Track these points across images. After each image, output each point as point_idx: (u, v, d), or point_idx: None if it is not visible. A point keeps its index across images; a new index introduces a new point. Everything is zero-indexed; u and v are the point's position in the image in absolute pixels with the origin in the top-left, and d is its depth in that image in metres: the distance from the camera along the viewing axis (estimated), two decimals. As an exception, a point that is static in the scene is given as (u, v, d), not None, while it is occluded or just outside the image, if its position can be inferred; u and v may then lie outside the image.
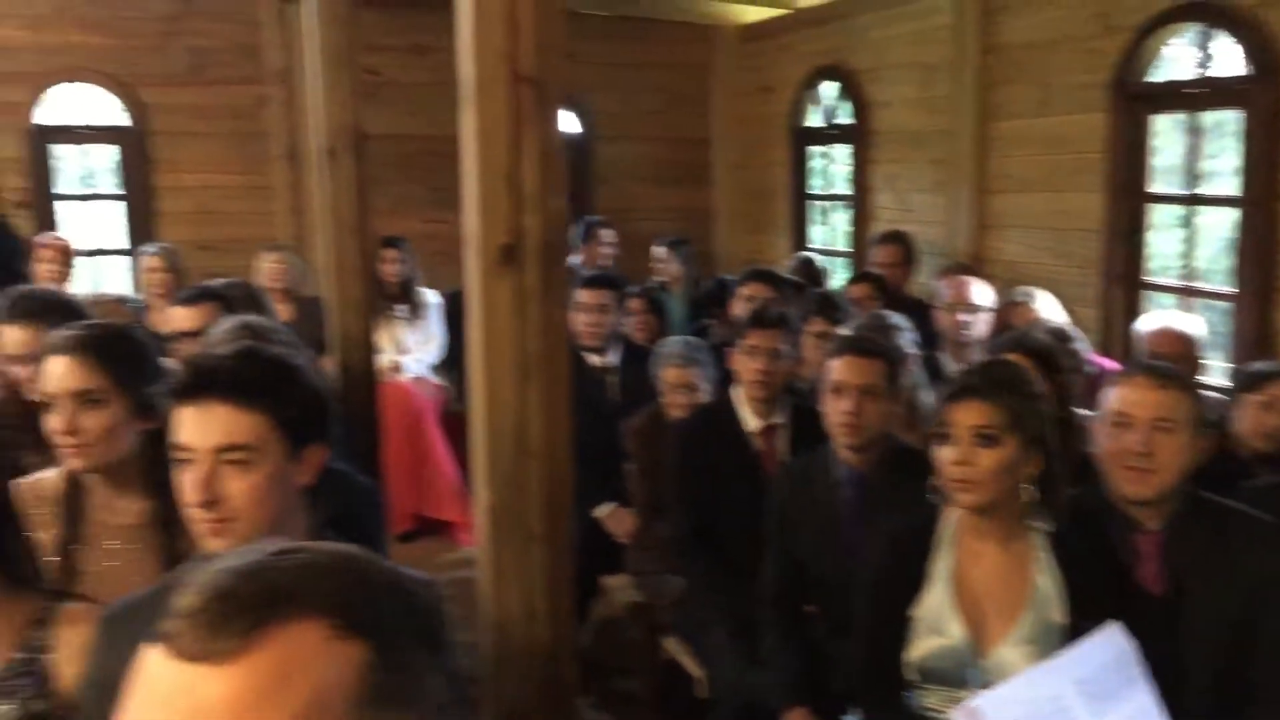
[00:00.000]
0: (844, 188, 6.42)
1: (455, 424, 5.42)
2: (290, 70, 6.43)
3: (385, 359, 5.33)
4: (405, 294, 5.69)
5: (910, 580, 2.12)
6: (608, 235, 6.31)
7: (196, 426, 1.51)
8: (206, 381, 1.52)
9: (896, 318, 3.53)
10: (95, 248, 6.56)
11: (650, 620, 3.47)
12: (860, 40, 6.09)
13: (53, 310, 2.67)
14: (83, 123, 6.57)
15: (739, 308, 4.46)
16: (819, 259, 6.09)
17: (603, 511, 3.88)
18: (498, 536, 1.97)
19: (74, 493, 2.09)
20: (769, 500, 2.76)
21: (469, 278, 1.93)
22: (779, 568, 2.72)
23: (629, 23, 6.93)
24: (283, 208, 6.75)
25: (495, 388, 1.92)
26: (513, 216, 1.87)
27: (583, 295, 4.26)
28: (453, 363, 5.59)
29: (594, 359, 4.26)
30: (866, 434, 2.62)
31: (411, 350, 5.67)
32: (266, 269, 5.33)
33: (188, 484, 1.51)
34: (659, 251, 6.06)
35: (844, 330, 3.43)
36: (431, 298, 5.81)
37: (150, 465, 2.08)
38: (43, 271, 5.28)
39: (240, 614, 0.70)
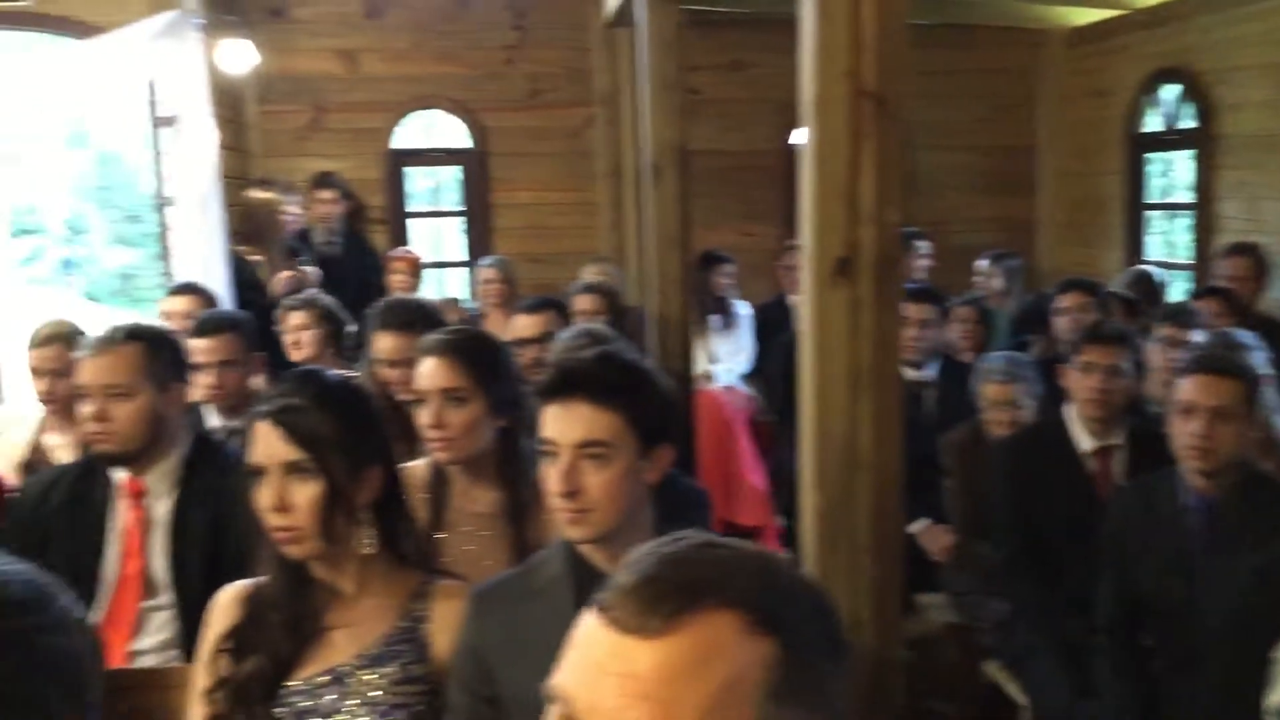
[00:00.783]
0: (1182, 196, 5.97)
1: (762, 433, 5.51)
2: (615, 92, 6.76)
3: (698, 368, 5.48)
4: (720, 305, 5.83)
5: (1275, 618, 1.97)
6: (924, 247, 6.19)
7: (560, 423, 1.64)
8: (571, 382, 1.65)
9: (1247, 336, 3.27)
10: (438, 260, 7.16)
11: (969, 643, 3.39)
12: (1204, 40, 5.66)
13: (419, 318, 2.96)
14: (432, 146, 7.19)
15: (1061, 321, 4.27)
16: (1157, 273, 5.71)
17: (917, 528, 3.82)
18: (825, 545, 2.00)
19: (438, 482, 2.31)
20: (1105, 525, 2.64)
21: (803, 289, 1.98)
22: (1116, 595, 2.59)
23: (949, 30, 6.78)
24: (604, 223, 7.09)
25: (827, 398, 1.95)
26: (849, 230, 1.90)
27: (907, 309, 4.21)
28: (761, 373, 5.67)
29: (910, 373, 4.21)
30: (1219, 459, 2.45)
31: (723, 360, 5.80)
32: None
33: (551, 475, 1.65)
34: (982, 266, 5.87)
35: (1194, 345, 3.21)
36: (743, 309, 5.92)
37: (504, 459, 2.27)
38: (395, 282, 5.82)
39: (668, 597, 0.78)
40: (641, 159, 4.39)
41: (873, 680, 2.00)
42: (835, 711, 0.82)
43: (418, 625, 1.77)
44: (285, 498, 1.67)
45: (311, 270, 5.40)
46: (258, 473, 1.69)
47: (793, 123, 7.61)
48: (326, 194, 6.31)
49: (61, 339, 3.33)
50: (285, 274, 5.24)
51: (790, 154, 7.28)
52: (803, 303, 1.98)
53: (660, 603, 0.78)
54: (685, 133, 4.21)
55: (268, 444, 1.68)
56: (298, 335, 3.70)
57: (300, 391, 1.70)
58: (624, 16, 5.40)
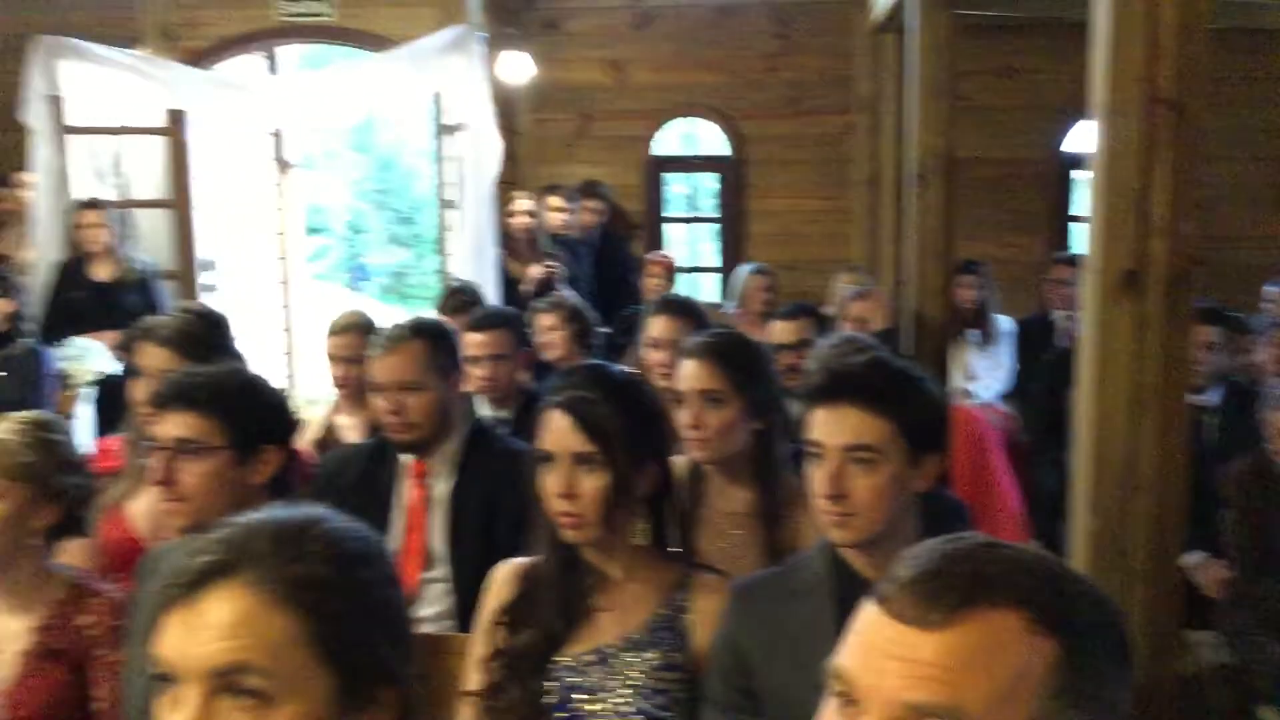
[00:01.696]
0: None
1: (1018, 454, 5.29)
2: (877, 98, 6.67)
3: (955, 383, 5.34)
4: (979, 319, 5.65)
5: None
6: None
7: (828, 426, 1.66)
8: (840, 386, 1.67)
9: None
10: (692, 265, 7.30)
11: (1243, 685, 3.16)
12: None
13: (693, 312, 3.07)
14: (691, 153, 7.34)
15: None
16: None
17: (1190, 560, 3.59)
18: (1097, 569, 1.92)
19: (695, 480, 2.37)
20: None
21: (1084, 304, 1.91)
22: None
23: (1237, 34, 6.30)
24: (859, 231, 7.01)
25: (1106, 416, 1.88)
26: (1137, 242, 1.83)
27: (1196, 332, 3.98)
28: (1021, 392, 5.45)
29: (1190, 398, 3.95)
30: None
31: (980, 376, 5.62)
32: (841, 289, 5.58)
33: (816, 478, 1.67)
34: (1271, 291, 5.43)
35: None
36: (1005, 324, 5.71)
37: (759, 461, 2.30)
38: (651, 285, 5.97)
39: (950, 591, 0.80)
40: (905, 167, 4.33)
41: (1141, 712, 1.91)
42: (1117, 717, 0.81)
43: (679, 615, 1.83)
44: (572, 485, 1.75)
45: (558, 267, 5.58)
46: (546, 458, 1.79)
47: (1064, 130, 7.29)
48: (593, 203, 6.55)
49: (356, 329, 3.61)
50: (536, 270, 5.48)
51: (1061, 162, 6.97)
52: (1083, 318, 1.92)
53: (942, 596, 0.80)
54: (953, 140, 4.13)
55: (559, 433, 1.77)
56: (549, 336, 3.89)
57: (592, 385, 1.80)
58: (892, 22, 5.33)
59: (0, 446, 2.02)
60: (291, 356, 7.18)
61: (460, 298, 4.17)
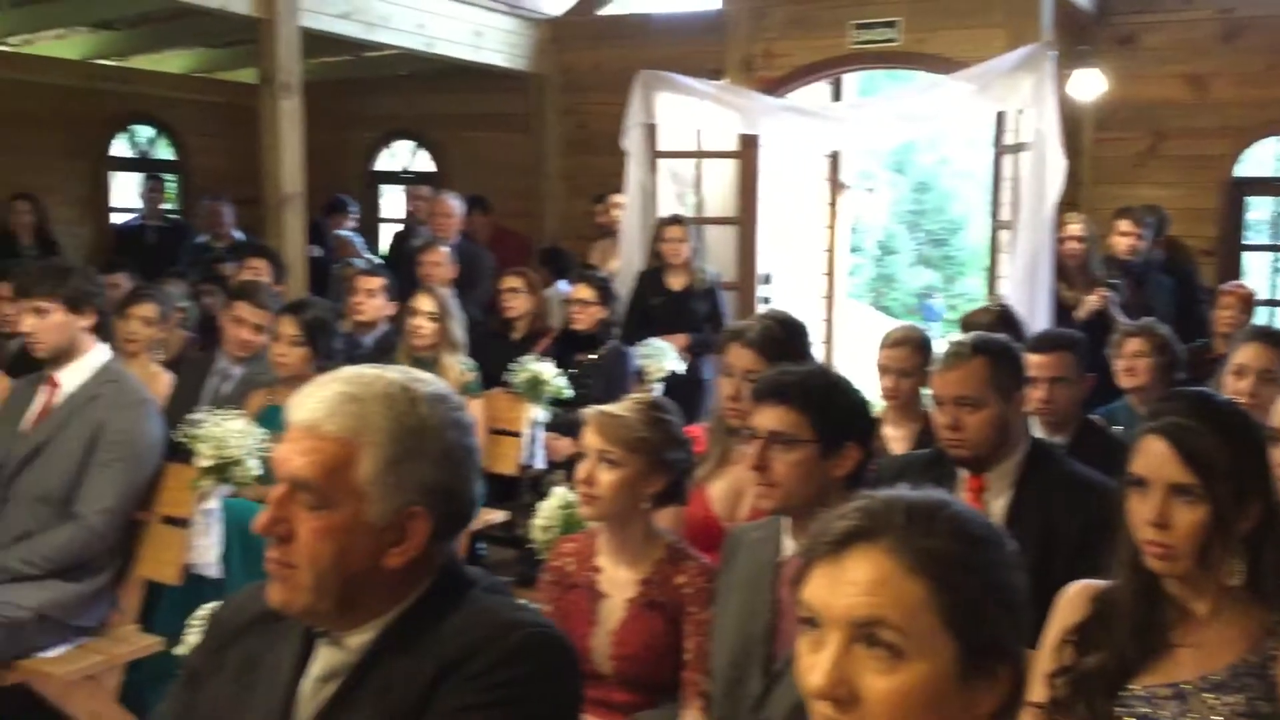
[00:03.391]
0: None
1: None
2: None
3: None
4: None
5: None
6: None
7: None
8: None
9: None
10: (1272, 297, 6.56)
11: None
12: None
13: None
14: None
15: None
16: None
17: None
18: None
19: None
20: None
21: None
22: None
23: None
24: None
25: None
26: None
27: None
28: None
29: None
30: None
31: None
32: None
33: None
34: None
35: None
36: None
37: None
38: (1223, 318, 5.44)
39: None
40: None
41: None
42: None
43: (1268, 663, 1.71)
44: (1166, 515, 1.71)
45: (1111, 295, 5.28)
46: (1139, 484, 1.75)
47: None
48: (1125, 225, 6.07)
49: (911, 343, 3.72)
50: (1092, 299, 5.22)
51: None
52: None
53: None
54: None
55: (1157, 459, 1.73)
56: (1132, 363, 3.74)
57: (1196, 413, 1.74)
58: None
59: (623, 423, 2.38)
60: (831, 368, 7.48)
61: (989, 316, 4.07)
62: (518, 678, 1.29)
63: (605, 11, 8.31)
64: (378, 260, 7.45)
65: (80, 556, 3.10)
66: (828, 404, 2.16)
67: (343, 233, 7.77)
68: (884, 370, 3.78)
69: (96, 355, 3.30)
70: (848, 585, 1.07)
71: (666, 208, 6.67)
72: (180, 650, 2.14)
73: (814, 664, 1.07)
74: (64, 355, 3.24)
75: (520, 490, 4.76)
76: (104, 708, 3.11)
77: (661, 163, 6.83)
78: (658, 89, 6.56)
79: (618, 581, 2.37)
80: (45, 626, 3.03)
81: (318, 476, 1.32)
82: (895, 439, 3.74)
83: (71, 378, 3.25)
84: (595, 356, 5.05)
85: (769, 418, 2.16)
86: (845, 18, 6.40)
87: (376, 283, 5.22)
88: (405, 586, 1.38)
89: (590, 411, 2.42)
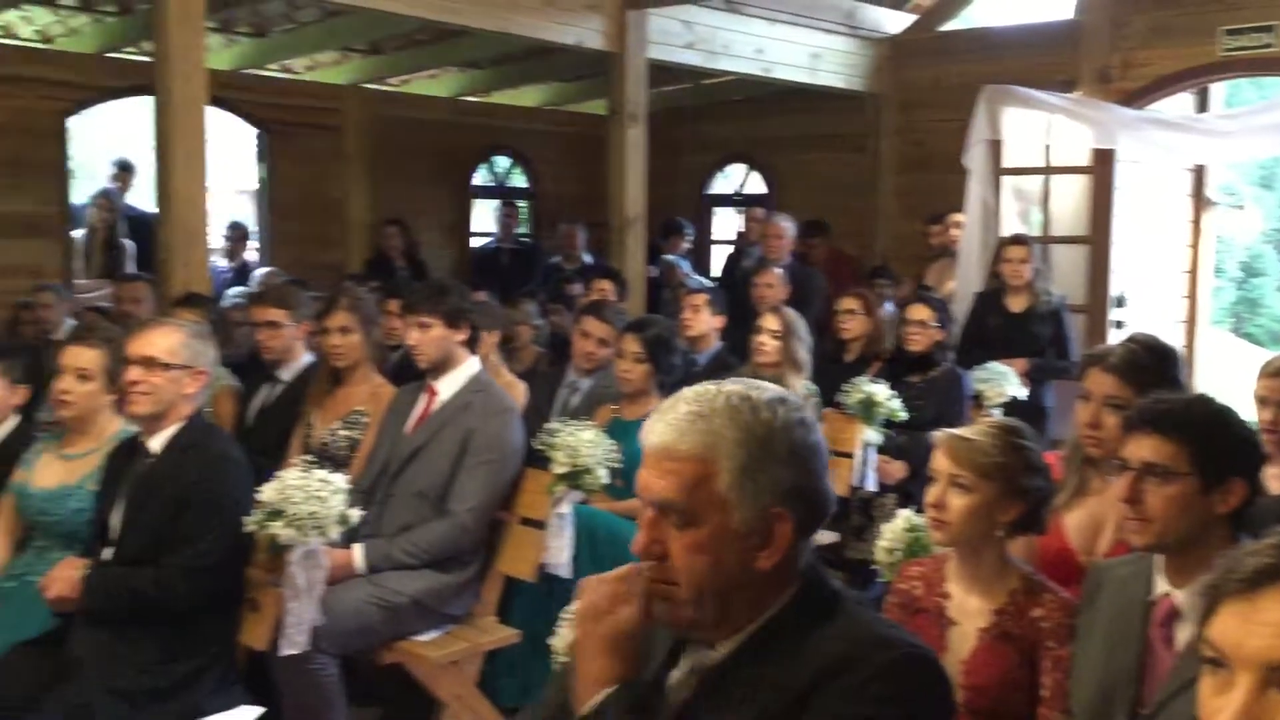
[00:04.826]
0: None
1: None
2: None
3: None
4: None
5: None
6: None
7: None
8: None
9: None
10: None
11: None
12: None
13: None
14: None
15: None
16: None
17: None
18: None
19: None
20: None
21: None
22: None
23: None
24: None
25: None
26: None
27: None
28: None
29: None
30: None
31: None
32: None
33: None
34: None
35: None
36: None
37: None
38: None
39: None
40: None
41: None
42: None
43: None
44: None
45: None
46: None
47: None
48: None
49: (1292, 373, 3.36)
50: None
51: None
52: None
53: None
54: None
55: None
56: None
57: None
58: None
59: (975, 447, 2.30)
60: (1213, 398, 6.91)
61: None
62: (897, 694, 1.29)
63: (946, 27, 8.13)
64: (708, 282, 7.65)
65: (451, 550, 3.37)
66: (1210, 435, 2.00)
67: (670, 257, 8.05)
68: (1263, 402, 3.45)
69: (469, 366, 3.60)
70: (1263, 626, 0.99)
71: (1010, 226, 6.41)
72: (554, 642, 2.29)
73: (1220, 707, 1.00)
74: (441, 366, 3.56)
75: (850, 512, 4.72)
76: (465, 691, 3.37)
77: (1005, 179, 6.58)
78: (1004, 103, 6.33)
79: (968, 609, 2.30)
80: (420, 612, 3.32)
81: (680, 496, 1.38)
82: (1277, 477, 3.41)
83: (447, 386, 3.56)
84: (926, 378, 4.94)
85: (1143, 448, 2.03)
86: (1215, 24, 5.92)
87: (700, 298, 5.37)
88: (774, 591, 1.42)
89: (941, 434, 2.36)
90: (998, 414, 4.96)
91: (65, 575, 2.91)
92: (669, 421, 1.42)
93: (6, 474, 3.35)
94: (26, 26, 7.32)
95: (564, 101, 9.75)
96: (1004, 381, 5.14)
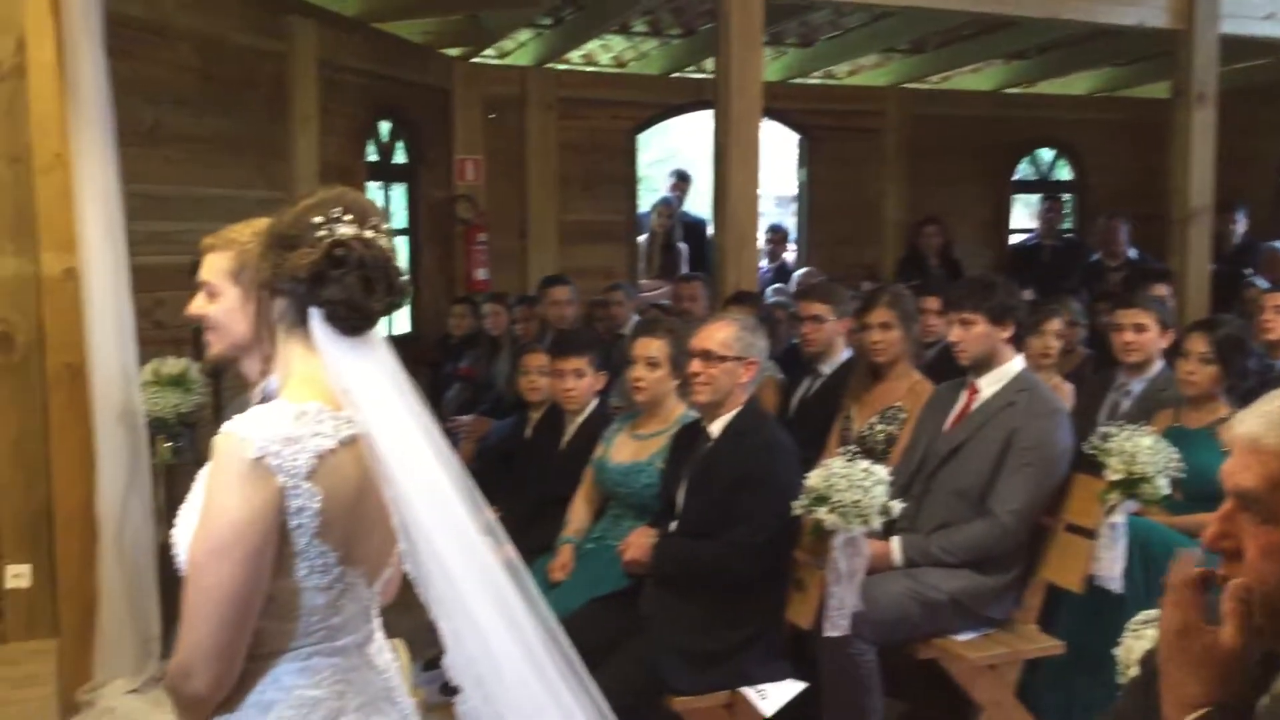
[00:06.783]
0: None
1: None
2: None
3: None
4: None
5: None
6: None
7: None
8: None
9: None
10: None
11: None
12: None
13: None
14: None
15: None
16: None
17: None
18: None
19: None
20: None
21: None
22: None
23: None
24: None
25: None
26: None
27: None
28: None
29: None
30: None
31: None
32: None
33: None
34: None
35: None
36: None
37: None
38: None
39: None
40: None
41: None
42: None
43: None
44: None
45: None
46: None
47: None
48: None
49: None
50: None
51: None
52: None
53: None
54: None
55: None
56: None
57: None
58: None
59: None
60: None
61: None
62: None
63: None
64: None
65: (990, 551, 3.30)
66: None
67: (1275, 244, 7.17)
68: None
69: (1013, 364, 3.49)
70: None
71: None
72: (1118, 652, 2.16)
73: None
74: (984, 363, 3.48)
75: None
76: (1004, 697, 3.27)
77: None
78: None
79: None
80: (958, 611, 3.28)
81: (1259, 488, 1.26)
82: None
83: (989, 384, 3.48)
84: None
85: None
86: None
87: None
88: None
89: None
90: None
91: (640, 542, 3.27)
92: (1263, 413, 1.30)
93: (589, 449, 3.83)
94: (605, 54, 8.22)
95: (1118, 87, 9.09)
96: None
